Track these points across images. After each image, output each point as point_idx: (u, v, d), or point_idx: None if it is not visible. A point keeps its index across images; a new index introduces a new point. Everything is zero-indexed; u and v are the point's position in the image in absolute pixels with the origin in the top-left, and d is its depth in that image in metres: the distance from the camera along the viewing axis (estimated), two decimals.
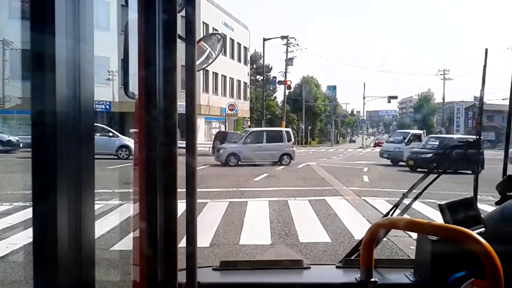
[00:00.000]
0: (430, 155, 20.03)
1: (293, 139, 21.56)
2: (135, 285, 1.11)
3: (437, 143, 21.56)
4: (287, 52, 44.32)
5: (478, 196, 1.89)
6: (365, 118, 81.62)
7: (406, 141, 25.96)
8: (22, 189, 9.58)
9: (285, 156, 20.70)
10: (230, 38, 38.87)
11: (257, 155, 19.65)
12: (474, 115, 49.72)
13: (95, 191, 0.89)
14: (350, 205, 9.53)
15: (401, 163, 21.59)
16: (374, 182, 14.46)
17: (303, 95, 51.66)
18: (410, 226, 1.30)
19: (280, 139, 20.95)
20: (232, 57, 40.42)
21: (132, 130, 1.18)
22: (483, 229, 1.41)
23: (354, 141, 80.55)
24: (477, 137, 2.04)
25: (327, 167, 19.97)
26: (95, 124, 0.97)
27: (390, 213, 1.88)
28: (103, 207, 7.92)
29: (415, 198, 1.96)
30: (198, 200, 1.11)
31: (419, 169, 19.32)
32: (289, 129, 24.37)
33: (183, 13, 1.08)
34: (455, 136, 28.79)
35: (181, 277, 1.12)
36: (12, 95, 23.67)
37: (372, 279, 1.33)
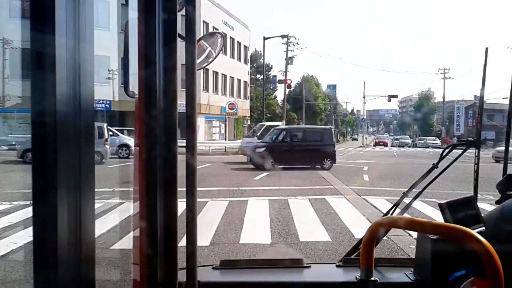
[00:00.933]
0: (263, 149, 17.62)
1: None
2: (135, 284, 1.11)
3: (277, 135, 18.87)
4: (287, 51, 44.25)
5: (478, 195, 1.89)
6: (365, 117, 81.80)
7: (258, 134, 22.84)
8: (22, 188, 9.59)
9: None
10: (230, 37, 38.84)
11: None
12: (474, 114, 49.71)
13: (95, 190, 0.90)
14: (350, 204, 9.54)
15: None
16: (374, 181, 14.46)
17: (303, 94, 51.58)
18: (410, 225, 1.30)
19: None
20: (232, 56, 40.39)
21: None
22: (483, 228, 1.41)
23: (356, 139, 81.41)
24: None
25: None
26: (95, 123, 0.97)
27: (390, 212, 1.88)
28: (103, 206, 7.92)
29: (415, 197, 1.96)
30: (198, 199, 1.11)
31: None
32: None
33: (183, 12, 1.08)
34: (310, 126, 25.17)
35: (181, 276, 1.12)
36: (12, 94, 23.67)
37: (372, 278, 1.33)
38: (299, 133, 20.18)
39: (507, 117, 1.96)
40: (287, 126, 24.71)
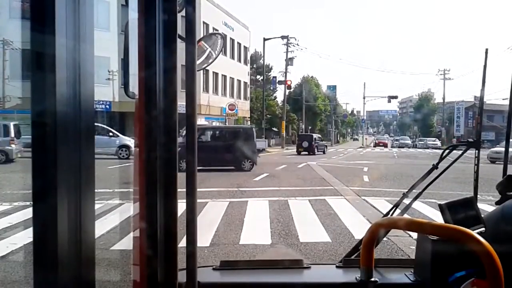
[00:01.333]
0: (179, 149, 17.84)
1: None
2: (135, 285, 1.11)
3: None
4: (287, 52, 44.30)
5: (478, 196, 1.89)
6: (365, 118, 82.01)
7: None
8: (22, 189, 9.59)
9: None
10: (230, 38, 38.86)
11: None
12: (474, 115, 49.70)
13: (95, 190, 0.89)
14: (350, 205, 9.53)
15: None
16: (374, 182, 14.46)
17: (303, 95, 51.61)
18: (410, 225, 1.30)
19: None
20: (232, 57, 40.41)
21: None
22: (483, 229, 1.41)
23: (357, 139, 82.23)
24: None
25: (327, 166, 19.97)
26: (95, 124, 0.97)
27: (390, 212, 1.88)
28: (103, 206, 7.92)
29: (415, 198, 1.96)
30: (198, 200, 1.11)
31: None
32: None
33: (183, 13, 1.08)
34: (229, 126, 24.66)
35: (181, 276, 1.12)
36: (12, 95, 23.66)
37: (372, 279, 1.33)
38: (216, 133, 19.60)
39: (507, 118, 1.96)
40: (203, 125, 24.23)
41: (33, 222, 0.80)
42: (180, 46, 1.06)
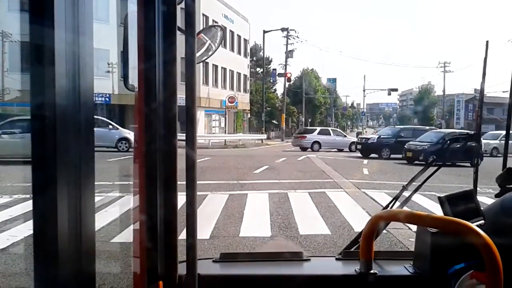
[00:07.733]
0: None
1: None
2: (136, 277, 1.12)
3: None
4: (287, 44, 44.19)
5: (477, 189, 1.89)
6: (365, 110, 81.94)
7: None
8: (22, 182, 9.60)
9: None
10: (230, 30, 38.71)
11: None
12: (474, 108, 49.65)
13: (95, 183, 0.89)
14: (350, 198, 9.54)
15: None
16: (374, 174, 14.48)
17: (303, 87, 51.53)
18: (410, 218, 1.30)
19: None
20: (232, 49, 40.28)
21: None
22: (483, 221, 1.41)
23: (360, 133, 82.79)
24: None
25: (327, 159, 19.98)
26: (95, 116, 0.97)
27: (390, 205, 1.88)
28: (103, 199, 7.93)
29: (415, 191, 1.96)
30: (198, 193, 1.11)
31: None
32: None
33: (182, 5, 1.07)
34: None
35: (181, 269, 1.12)
36: (12, 88, 23.59)
37: (372, 271, 1.33)
38: None
39: (507, 110, 1.95)
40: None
41: (33, 214, 0.80)
42: (180, 38, 1.06)
